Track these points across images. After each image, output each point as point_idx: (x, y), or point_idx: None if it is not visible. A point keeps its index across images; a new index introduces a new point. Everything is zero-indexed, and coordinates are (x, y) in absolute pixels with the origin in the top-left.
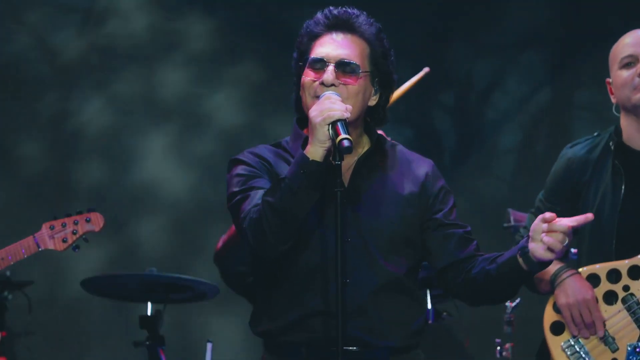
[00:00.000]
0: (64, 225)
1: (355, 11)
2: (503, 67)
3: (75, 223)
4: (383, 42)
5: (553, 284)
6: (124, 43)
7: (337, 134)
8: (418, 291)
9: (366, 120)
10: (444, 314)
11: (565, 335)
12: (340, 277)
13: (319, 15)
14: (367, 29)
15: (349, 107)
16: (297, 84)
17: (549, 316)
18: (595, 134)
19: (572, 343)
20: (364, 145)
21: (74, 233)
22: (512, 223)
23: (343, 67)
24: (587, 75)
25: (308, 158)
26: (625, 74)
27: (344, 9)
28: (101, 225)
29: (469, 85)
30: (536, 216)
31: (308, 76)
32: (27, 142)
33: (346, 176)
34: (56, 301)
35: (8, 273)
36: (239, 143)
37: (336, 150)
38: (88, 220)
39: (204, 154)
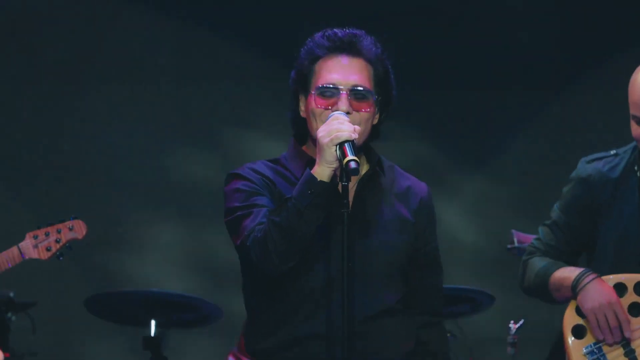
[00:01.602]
0: (47, 234)
1: (359, 32)
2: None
3: (59, 231)
4: (385, 62)
5: (575, 289)
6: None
7: (344, 155)
8: (411, 315)
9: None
10: (448, 334)
11: (588, 339)
12: (345, 298)
13: (320, 37)
14: (371, 51)
15: (358, 127)
16: (295, 102)
17: (570, 319)
18: (613, 152)
19: (595, 350)
20: (364, 166)
21: (57, 241)
22: (516, 244)
23: (356, 94)
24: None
25: (316, 178)
26: (636, 128)
27: (348, 30)
28: (84, 232)
29: (470, 102)
30: (551, 229)
31: (319, 104)
32: None
33: (350, 197)
34: (60, 322)
35: (11, 294)
36: None
37: (343, 172)
38: (71, 228)
39: None
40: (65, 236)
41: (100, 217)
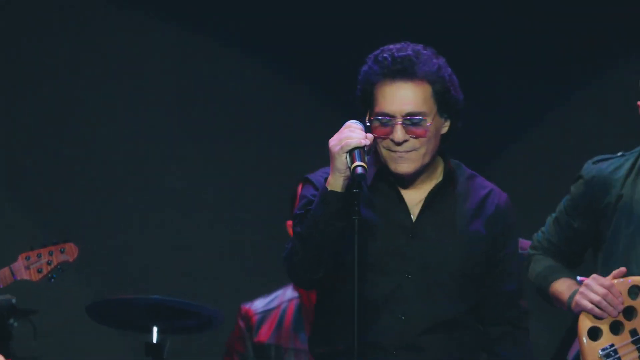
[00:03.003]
0: (39, 256)
1: (413, 52)
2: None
3: (50, 254)
4: (445, 75)
5: (570, 307)
6: None
7: (352, 161)
8: (479, 329)
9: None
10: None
11: (603, 341)
12: (357, 304)
13: (372, 61)
14: (428, 70)
15: (370, 135)
16: (364, 118)
17: (584, 323)
18: (620, 153)
19: (611, 352)
20: (439, 177)
21: (48, 263)
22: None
23: (411, 121)
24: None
25: (327, 188)
26: None
27: (401, 53)
28: (75, 255)
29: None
30: (554, 224)
31: (378, 133)
32: None
33: (415, 210)
34: (61, 328)
35: (13, 300)
36: None
37: (352, 178)
38: (62, 251)
39: None
40: (57, 258)
41: (102, 223)
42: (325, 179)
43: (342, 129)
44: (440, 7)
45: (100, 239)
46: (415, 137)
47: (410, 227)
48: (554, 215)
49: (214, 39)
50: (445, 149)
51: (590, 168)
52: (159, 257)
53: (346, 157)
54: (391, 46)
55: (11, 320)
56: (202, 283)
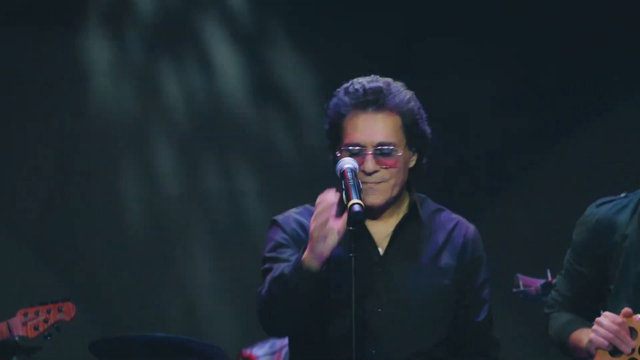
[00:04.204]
0: (37, 314)
1: (384, 84)
2: None
3: (48, 312)
4: (414, 107)
5: (588, 350)
6: None
7: (349, 198)
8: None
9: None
10: None
11: None
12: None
13: (343, 93)
14: (398, 101)
15: (341, 228)
16: (332, 155)
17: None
18: (623, 194)
19: None
20: (405, 210)
21: (45, 322)
22: (521, 288)
23: (382, 151)
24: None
25: (302, 266)
26: None
27: (372, 85)
28: (72, 315)
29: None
30: (565, 278)
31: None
32: None
33: (383, 244)
34: None
35: (17, 338)
36: None
37: (349, 216)
38: (60, 310)
39: None
40: (54, 317)
41: (105, 261)
42: (296, 220)
43: (317, 210)
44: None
45: (104, 276)
46: (386, 168)
47: (378, 261)
48: (562, 271)
49: None
50: (411, 183)
51: (594, 211)
52: (161, 295)
53: (324, 245)
54: (360, 79)
55: (14, 358)
56: (204, 321)
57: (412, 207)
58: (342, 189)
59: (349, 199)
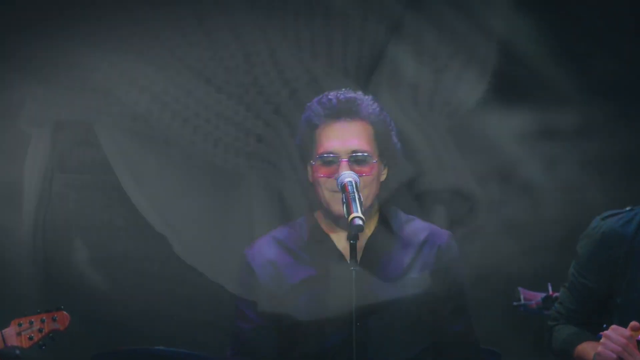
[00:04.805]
0: (31, 323)
1: (356, 94)
2: None
3: (42, 321)
4: (385, 118)
5: None
6: None
7: (349, 211)
8: None
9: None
10: None
11: None
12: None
13: (316, 104)
14: (371, 111)
15: None
16: (303, 169)
17: None
18: (628, 208)
19: None
20: (375, 223)
21: (39, 331)
22: (522, 302)
23: (356, 159)
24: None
25: None
26: None
27: (345, 95)
28: (66, 324)
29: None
30: (570, 291)
31: (322, 173)
32: None
33: (358, 256)
34: None
35: (18, 351)
36: None
37: (350, 229)
38: (54, 319)
39: None
40: (48, 326)
41: (107, 272)
42: (262, 256)
43: None
44: None
45: (105, 287)
46: (361, 176)
47: (352, 275)
48: (566, 284)
49: None
50: (382, 196)
51: (599, 224)
52: (162, 307)
53: (343, 205)
54: (333, 91)
55: None
56: (205, 333)
57: (382, 220)
58: (343, 202)
59: (350, 212)
